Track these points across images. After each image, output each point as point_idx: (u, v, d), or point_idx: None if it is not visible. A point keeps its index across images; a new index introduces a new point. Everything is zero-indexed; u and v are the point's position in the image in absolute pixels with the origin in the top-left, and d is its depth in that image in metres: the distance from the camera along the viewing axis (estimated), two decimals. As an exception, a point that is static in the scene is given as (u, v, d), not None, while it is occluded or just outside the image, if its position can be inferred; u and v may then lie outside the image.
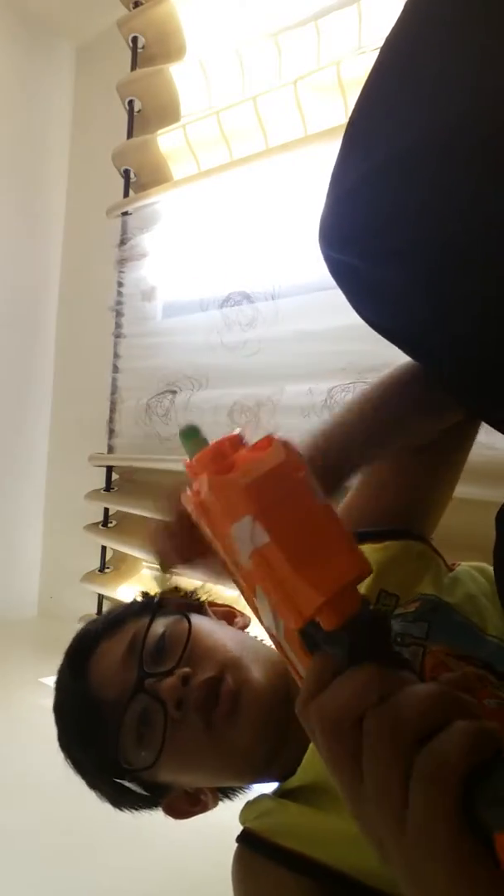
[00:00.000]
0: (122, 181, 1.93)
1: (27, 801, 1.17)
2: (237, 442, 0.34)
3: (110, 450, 1.92)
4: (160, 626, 0.67)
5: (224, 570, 0.36)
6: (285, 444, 0.32)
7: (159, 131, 1.80)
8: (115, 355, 1.92)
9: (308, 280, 1.48)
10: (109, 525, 1.88)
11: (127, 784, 0.65)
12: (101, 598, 1.90)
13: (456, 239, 0.36)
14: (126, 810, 0.71)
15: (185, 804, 0.70)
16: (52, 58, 2.26)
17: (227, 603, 0.79)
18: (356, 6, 1.39)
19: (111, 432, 1.92)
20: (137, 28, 1.89)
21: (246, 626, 0.76)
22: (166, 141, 1.79)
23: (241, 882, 0.61)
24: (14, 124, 2.17)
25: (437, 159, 0.36)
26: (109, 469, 1.90)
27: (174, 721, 0.61)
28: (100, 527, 1.88)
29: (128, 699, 0.62)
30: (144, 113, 1.91)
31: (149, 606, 0.71)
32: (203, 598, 0.78)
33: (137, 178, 1.92)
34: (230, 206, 1.66)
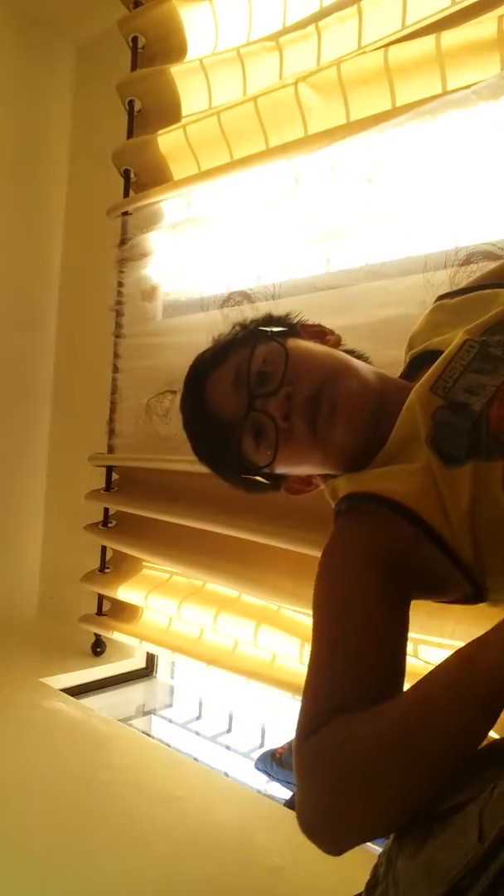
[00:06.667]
0: (122, 181, 1.93)
1: (27, 801, 1.17)
2: None
3: (110, 450, 1.92)
4: (260, 354, 0.78)
5: None
6: None
7: (159, 131, 1.80)
8: (115, 355, 1.92)
9: (308, 280, 1.48)
10: (109, 525, 1.88)
11: (253, 478, 0.81)
12: (101, 598, 1.90)
13: None
14: (256, 493, 0.86)
15: (301, 484, 0.86)
16: (52, 58, 2.26)
17: (317, 323, 0.91)
18: (356, 6, 1.39)
19: (111, 432, 1.92)
20: (137, 28, 1.89)
21: (338, 342, 0.88)
22: (166, 141, 1.79)
23: (348, 528, 0.73)
24: (14, 124, 2.17)
25: None
26: (109, 469, 1.89)
27: (283, 430, 0.74)
28: (100, 527, 1.88)
29: (243, 417, 0.76)
30: (144, 113, 1.91)
31: (247, 339, 0.81)
32: (296, 320, 0.90)
33: (137, 178, 1.92)
34: (230, 205, 1.66)
